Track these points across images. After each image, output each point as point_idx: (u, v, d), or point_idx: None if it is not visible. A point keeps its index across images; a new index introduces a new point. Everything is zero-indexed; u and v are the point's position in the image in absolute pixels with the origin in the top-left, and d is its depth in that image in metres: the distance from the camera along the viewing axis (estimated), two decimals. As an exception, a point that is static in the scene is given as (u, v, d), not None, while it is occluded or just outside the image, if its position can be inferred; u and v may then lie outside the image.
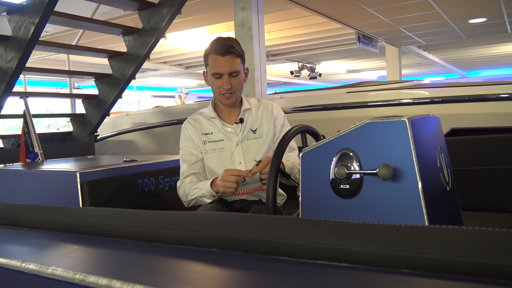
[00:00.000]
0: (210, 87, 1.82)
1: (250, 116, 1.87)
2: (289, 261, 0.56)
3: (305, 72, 10.53)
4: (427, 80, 6.80)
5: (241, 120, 1.84)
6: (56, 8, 2.96)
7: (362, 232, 0.54)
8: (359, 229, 0.55)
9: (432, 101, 3.76)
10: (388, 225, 0.54)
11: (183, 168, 1.84)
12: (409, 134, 1.06)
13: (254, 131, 1.85)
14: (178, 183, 1.84)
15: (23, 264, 0.61)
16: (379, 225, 0.54)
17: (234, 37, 1.96)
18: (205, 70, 1.83)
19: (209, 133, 1.84)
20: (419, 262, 0.48)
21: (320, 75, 10.95)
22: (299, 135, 1.56)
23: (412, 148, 1.05)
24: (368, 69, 13.48)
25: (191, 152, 1.84)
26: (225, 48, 1.70)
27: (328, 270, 0.52)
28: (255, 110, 1.89)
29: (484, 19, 6.31)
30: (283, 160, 1.65)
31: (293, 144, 1.89)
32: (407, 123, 1.06)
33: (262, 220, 0.65)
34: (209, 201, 1.72)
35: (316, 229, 0.57)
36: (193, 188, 1.75)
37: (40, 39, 3.08)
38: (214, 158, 1.82)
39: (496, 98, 3.44)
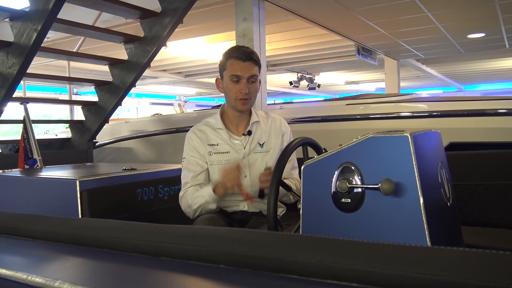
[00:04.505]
0: (222, 94, 1.80)
1: (259, 129, 1.83)
2: (299, 280, 0.55)
3: (304, 83, 10.54)
4: (425, 94, 6.83)
5: (249, 133, 1.80)
6: (58, 15, 2.96)
7: (374, 251, 0.53)
8: (371, 249, 0.54)
9: (431, 114, 3.78)
10: (399, 245, 0.53)
11: (187, 178, 1.78)
12: (412, 149, 1.06)
13: (261, 145, 1.81)
14: (181, 194, 1.79)
15: (29, 277, 0.60)
16: (391, 245, 0.54)
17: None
18: (219, 77, 1.81)
19: (215, 144, 1.79)
20: (431, 284, 0.48)
21: (319, 86, 10.98)
22: (300, 147, 1.56)
23: (414, 163, 1.05)
24: (367, 80, 13.53)
25: (197, 162, 1.78)
26: (246, 54, 1.72)
27: None
28: (263, 123, 1.85)
29: (482, 34, 6.37)
30: (287, 180, 1.66)
31: (296, 162, 1.87)
32: (410, 138, 1.07)
33: (272, 236, 0.64)
34: (215, 206, 1.71)
35: (327, 247, 0.56)
36: (195, 197, 1.72)
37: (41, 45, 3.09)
38: (219, 171, 1.75)
39: (495, 113, 3.47)
